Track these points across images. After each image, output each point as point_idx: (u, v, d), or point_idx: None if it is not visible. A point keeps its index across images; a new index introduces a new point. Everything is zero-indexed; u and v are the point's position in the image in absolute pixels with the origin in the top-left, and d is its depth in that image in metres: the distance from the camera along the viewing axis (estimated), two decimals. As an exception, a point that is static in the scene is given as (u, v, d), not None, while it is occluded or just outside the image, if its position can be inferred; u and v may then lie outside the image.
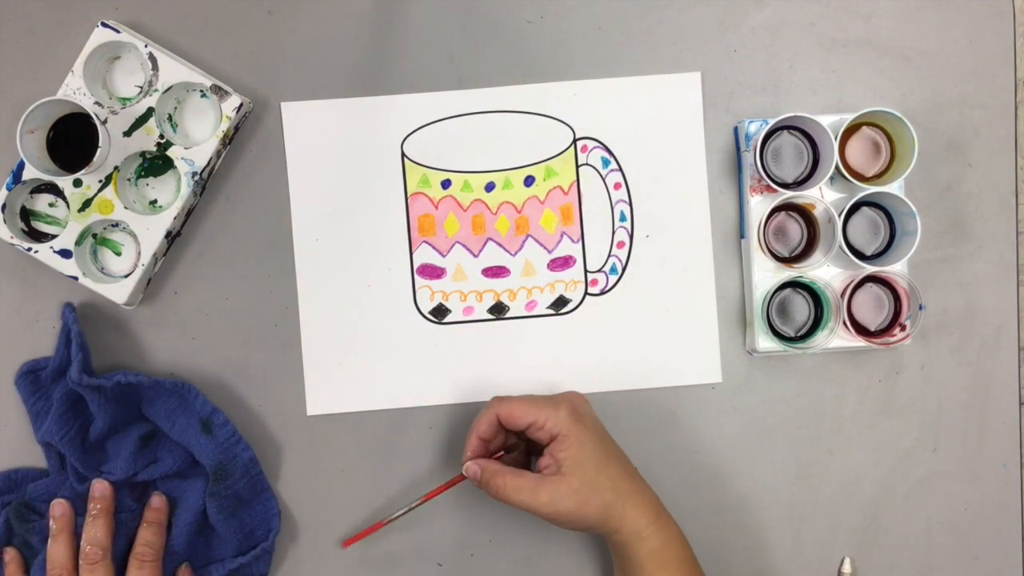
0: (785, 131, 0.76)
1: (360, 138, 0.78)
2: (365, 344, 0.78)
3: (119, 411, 0.74)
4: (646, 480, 0.71)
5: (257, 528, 0.76)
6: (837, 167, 0.74)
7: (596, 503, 0.67)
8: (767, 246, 0.76)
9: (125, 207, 0.74)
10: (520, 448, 0.74)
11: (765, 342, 0.76)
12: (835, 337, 0.74)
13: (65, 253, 0.74)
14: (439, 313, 0.78)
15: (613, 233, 0.78)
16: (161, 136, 0.74)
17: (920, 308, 0.74)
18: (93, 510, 0.72)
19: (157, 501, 0.74)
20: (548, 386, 0.78)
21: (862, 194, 0.74)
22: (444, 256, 0.78)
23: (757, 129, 0.76)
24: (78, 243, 0.74)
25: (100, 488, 0.73)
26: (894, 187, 0.74)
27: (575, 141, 0.78)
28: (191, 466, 0.75)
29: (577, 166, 0.78)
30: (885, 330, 0.76)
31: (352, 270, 0.78)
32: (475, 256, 0.78)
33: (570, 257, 0.78)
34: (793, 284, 0.76)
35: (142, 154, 0.75)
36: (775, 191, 0.75)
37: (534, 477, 0.68)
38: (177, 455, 0.75)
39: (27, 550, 0.74)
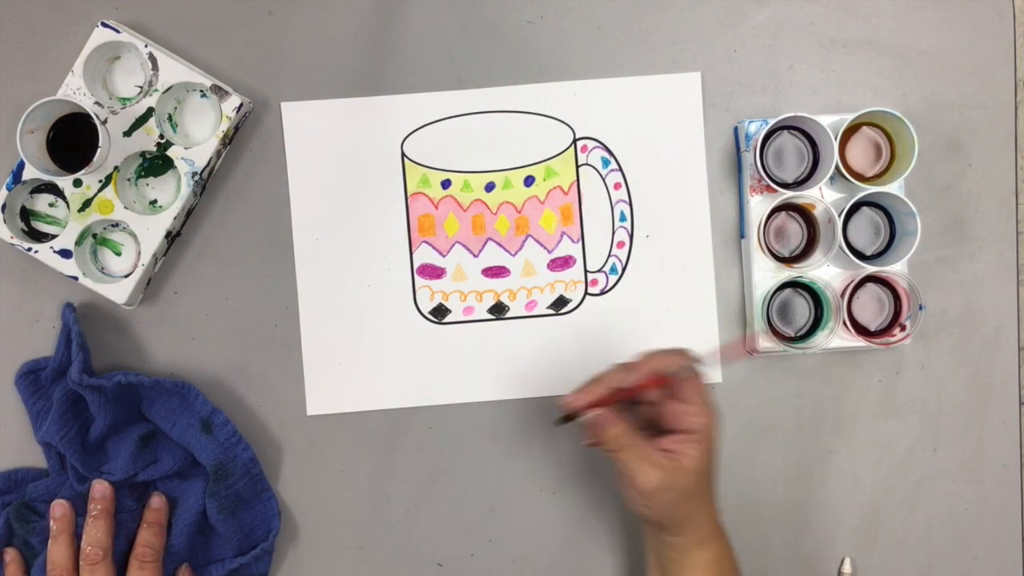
0: (785, 131, 0.76)
1: (360, 138, 0.78)
2: (365, 344, 0.78)
3: (119, 411, 0.74)
4: None
5: (257, 528, 0.76)
6: (837, 167, 0.74)
7: (689, 506, 0.66)
8: (767, 246, 0.76)
9: (125, 207, 0.74)
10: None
11: (765, 342, 0.76)
12: (835, 337, 0.74)
13: (65, 253, 0.74)
14: (439, 313, 0.78)
15: (613, 233, 0.78)
16: (161, 136, 0.74)
17: (920, 308, 0.74)
18: (93, 511, 0.72)
19: (157, 502, 0.74)
20: (548, 386, 0.78)
21: (862, 194, 0.74)
22: (444, 256, 0.78)
23: (757, 129, 0.76)
24: (78, 243, 0.74)
25: (100, 489, 0.73)
26: (894, 187, 0.74)
27: (575, 141, 0.78)
28: (191, 466, 0.75)
29: (577, 166, 0.78)
30: (885, 330, 0.76)
31: (352, 270, 0.78)
32: (475, 256, 0.78)
33: (570, 257, 0.78)
34: (793, 284, 0.76)
35: (142, 154, 0.75)
36: (775, 191, 0.75)
37: (655, 452, 0.65)
38: (177, 455, 0.75)
39: (27, 551, 0.74)
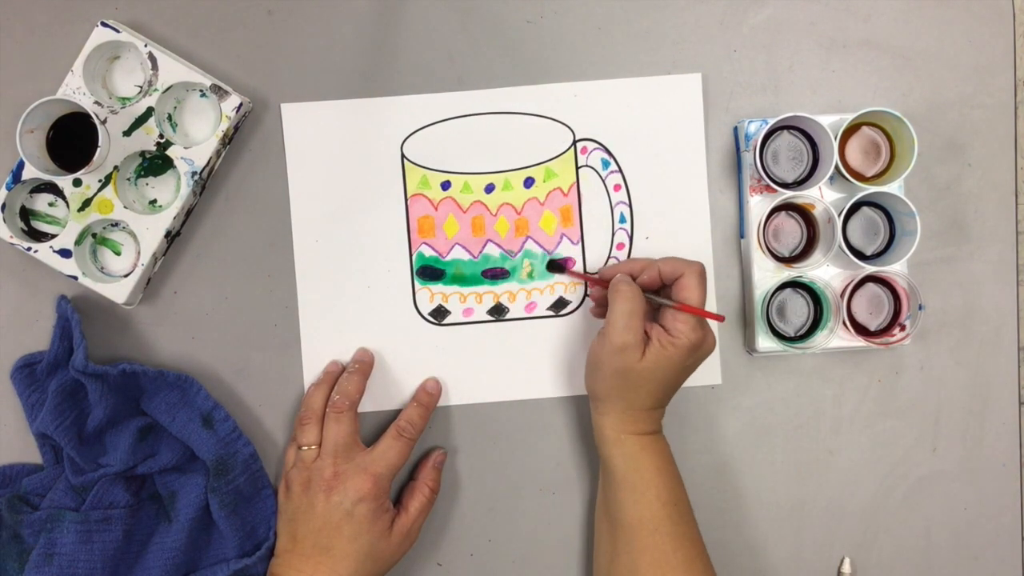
0: (785, 131, 0.76)
1: (360, 139, 0.78)
2: (365, 345, 0.78)
3: (119, 402, 0.73)
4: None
5: (259, 525, 0.76)
6: (837, 167, 0.74)
7: (622, 390, 0.70)
8: (767, 246, 0.76)
9: (125, 207, 0.74)
10: None
11: (765, 342, 0.76)
12: (835, 337, 0.74)
13: (65, 253, 0.74)
14: (439, 314, 0.78)
15: (613, 235, 0.78)
16: (161, 136, 0.74)
17: (920, 308, 0.74)
18: (351, 367, 0.75)
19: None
20: (548, 387, 0.78)
21: (862, 194, 0.74)
22: (444, 257, 0.78)
23: (757, 129, 0.76)
24: (78, 243, 0.74)
25: (361, 354, 0.77)
26: (894, 187, 0.74)
27: (575, 142, 0.78)
28: (189, 460, 0.75)
29: (577, 167, 0.78)
30: (885, 330, 0.76)
31: (352, 271, 0.78)
32: (475, 258, 0.78)
33: (570, 259, 0.78)
34: (793, 284, 0.76)
35: (142, 154, 0.75)
36: (775, 191, 0.75)
37: (640, 323, 0.70)
38: (175, 449, 0.75)
39: (17, 543, 0.73)
